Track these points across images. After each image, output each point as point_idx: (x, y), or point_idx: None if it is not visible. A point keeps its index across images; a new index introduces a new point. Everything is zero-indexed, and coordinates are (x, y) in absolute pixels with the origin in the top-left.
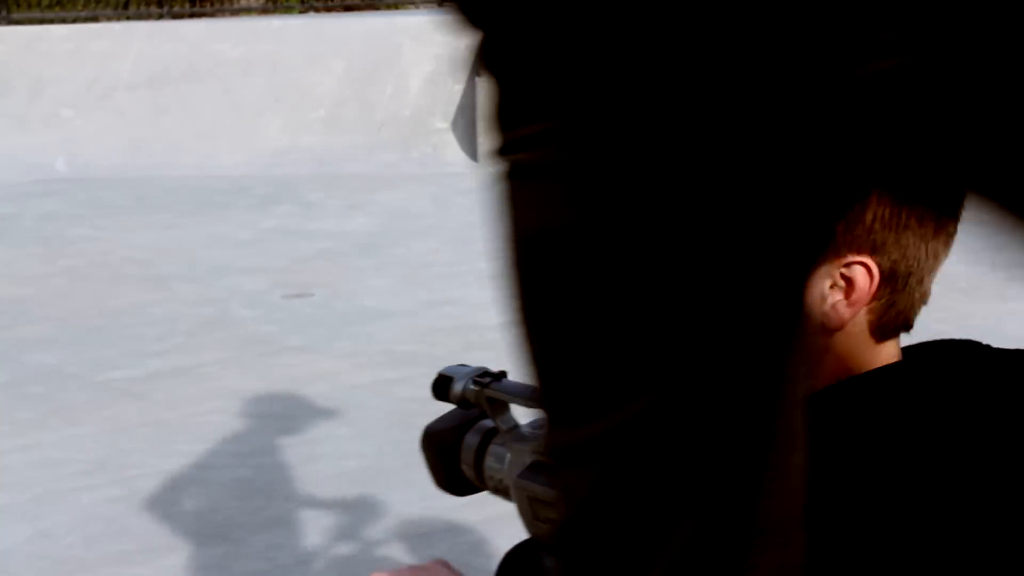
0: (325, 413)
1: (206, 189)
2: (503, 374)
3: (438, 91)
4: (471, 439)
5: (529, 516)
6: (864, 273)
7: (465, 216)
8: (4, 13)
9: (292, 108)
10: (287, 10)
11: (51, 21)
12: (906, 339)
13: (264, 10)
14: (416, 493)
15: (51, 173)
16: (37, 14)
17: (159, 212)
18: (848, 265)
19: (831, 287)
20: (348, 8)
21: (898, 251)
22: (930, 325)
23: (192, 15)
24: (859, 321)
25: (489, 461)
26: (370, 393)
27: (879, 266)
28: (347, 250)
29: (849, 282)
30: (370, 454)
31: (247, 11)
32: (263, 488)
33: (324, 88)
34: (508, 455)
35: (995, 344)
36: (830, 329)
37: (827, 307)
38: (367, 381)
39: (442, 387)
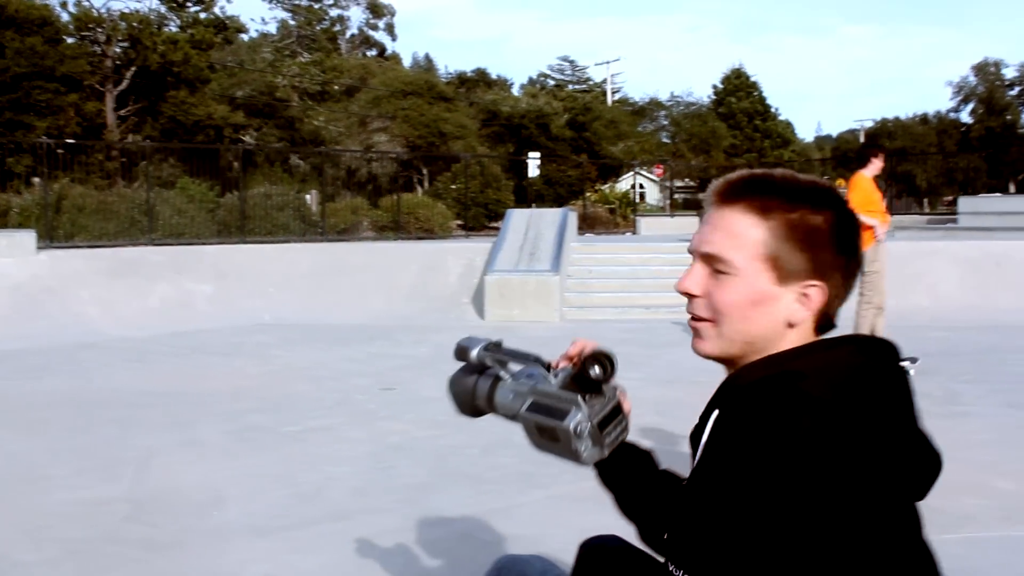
0: (399, 452)
1: (341, 331)
2: (500, 342)
3: (464, 282)
4: (483, 383)
5: (534, 435)
6: (818, 292)
7: None
8: (243, 237)
9: (388, 290)
10: (387, 238)
11: (265, 242)
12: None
13: (375, 238)
14: (450, 499)
15: (262, 321)
16: (259, 238)
17: (317, 343)
18: (811, 286)
19: (797, 298)
20: (419, 238)
21: (833, 286)
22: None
23: (338, 240)
24: (807, 320)
25: (499, 398)
26: (424, 442)
27: (827, 290)
28: (414, 365)
29: (808, 296)
30: (423, 475)
31: (367, 238)
32: (365, 491)
33: (405, 280)
34: (511, 395)
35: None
36: (792, 324)
37: (791, 311)
38: (423, 436)
39: (462, 353)
